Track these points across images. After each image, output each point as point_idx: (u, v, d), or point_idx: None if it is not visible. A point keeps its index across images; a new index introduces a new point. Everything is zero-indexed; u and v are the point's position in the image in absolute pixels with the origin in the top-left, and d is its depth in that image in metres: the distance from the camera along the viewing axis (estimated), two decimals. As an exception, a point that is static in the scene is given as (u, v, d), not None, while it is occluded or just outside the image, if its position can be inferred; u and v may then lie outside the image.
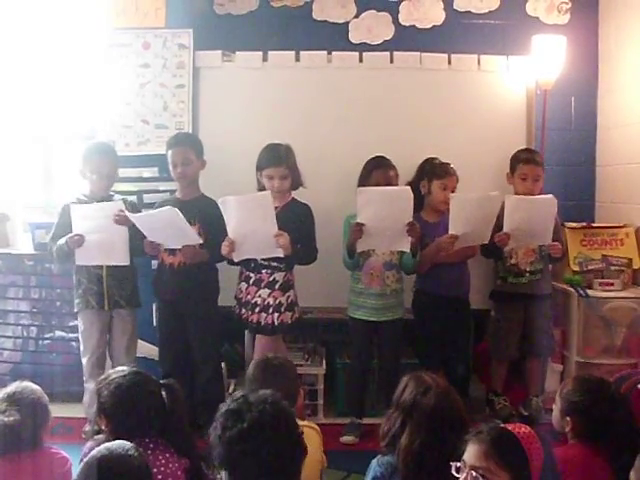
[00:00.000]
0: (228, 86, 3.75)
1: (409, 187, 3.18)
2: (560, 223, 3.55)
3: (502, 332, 3.54)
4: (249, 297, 3.26)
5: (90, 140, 3.60)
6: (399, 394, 2.01)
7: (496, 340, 3.60)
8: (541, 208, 3.28)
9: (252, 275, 3.26)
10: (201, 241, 3.16)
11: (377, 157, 3.35)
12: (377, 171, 3.30)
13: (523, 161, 3.49)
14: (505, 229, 3.28)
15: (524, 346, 3.54)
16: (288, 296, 3.26)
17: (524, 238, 3.33)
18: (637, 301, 3.55)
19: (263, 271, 3.24)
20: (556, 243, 3.37)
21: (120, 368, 2.07)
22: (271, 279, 3.24)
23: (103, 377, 2.06)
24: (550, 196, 3.28)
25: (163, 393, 2.04)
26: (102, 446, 1.59)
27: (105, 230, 3.13)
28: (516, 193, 3.48)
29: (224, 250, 3.12)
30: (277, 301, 3.23)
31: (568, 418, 2.17)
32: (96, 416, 2.05)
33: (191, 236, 3.12)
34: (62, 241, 3.17)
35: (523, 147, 3.65)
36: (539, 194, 3.48)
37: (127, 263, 3.22)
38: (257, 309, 3.24)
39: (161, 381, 2.07)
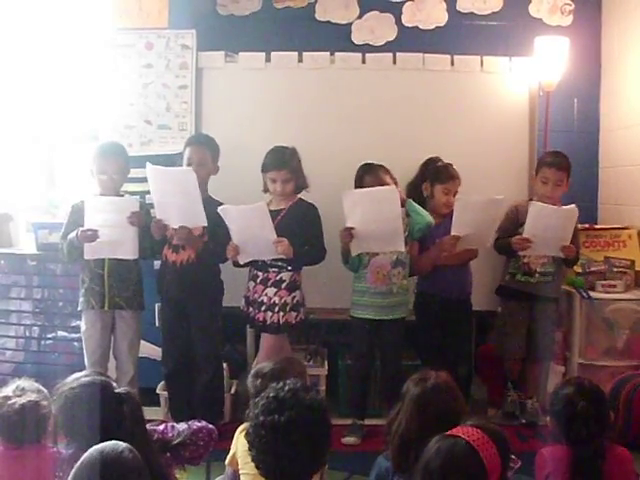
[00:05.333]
0: (231, 87, 3.75)
1: (394, 186, 3.19)
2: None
3: (507, 329, 3.54)
4: (256, 295, 3.28)
5: (94, 140, 3.60)
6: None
7: (501, 337, 3.59)
8: (563, 218, 3.26)
9: (260, 274, 3.27)
10: (205, 223, 3.14)
11: (366, 164, 3.33)
12: (369, 176, 3.27)
13: (546, 164, 3.42)
14: (525, 234, 3.27)
15: (527, 347, 3.52)
16: (294, 296, 3.26)
17: (539, 246, 3.30)
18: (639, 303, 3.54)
19: (270, 270, 3.25)
20: (570, 245, 3.32)
21: (74, 376, 1.91)
22: (278, 278, 3.25)
23: (57, 387, 1.92)
24: (572, 206, 3.26)
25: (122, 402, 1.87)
26: (93, 448, 1.51)
27: (117, 224, 3.13)
28: (536, 195, 3.45)
29: (229, 254, 3.18)
30: (283, 300, 3.23)
31: (547, 418, 2.20)
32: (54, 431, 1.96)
33: (198, 210, 3.09)
34: (72, 234, 3.17)
35: (552, 150, 3.58)
36: (559, 200, 3.43)
37: (135, 257, 3.22)
38: (263, 307, 3.25)
39: (117, 390, 1.89)
